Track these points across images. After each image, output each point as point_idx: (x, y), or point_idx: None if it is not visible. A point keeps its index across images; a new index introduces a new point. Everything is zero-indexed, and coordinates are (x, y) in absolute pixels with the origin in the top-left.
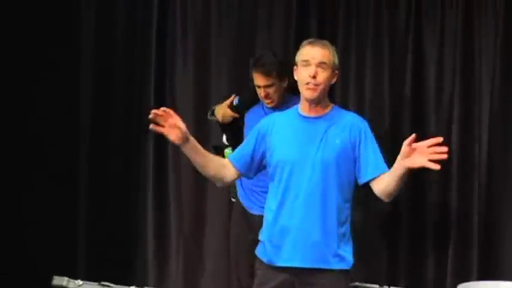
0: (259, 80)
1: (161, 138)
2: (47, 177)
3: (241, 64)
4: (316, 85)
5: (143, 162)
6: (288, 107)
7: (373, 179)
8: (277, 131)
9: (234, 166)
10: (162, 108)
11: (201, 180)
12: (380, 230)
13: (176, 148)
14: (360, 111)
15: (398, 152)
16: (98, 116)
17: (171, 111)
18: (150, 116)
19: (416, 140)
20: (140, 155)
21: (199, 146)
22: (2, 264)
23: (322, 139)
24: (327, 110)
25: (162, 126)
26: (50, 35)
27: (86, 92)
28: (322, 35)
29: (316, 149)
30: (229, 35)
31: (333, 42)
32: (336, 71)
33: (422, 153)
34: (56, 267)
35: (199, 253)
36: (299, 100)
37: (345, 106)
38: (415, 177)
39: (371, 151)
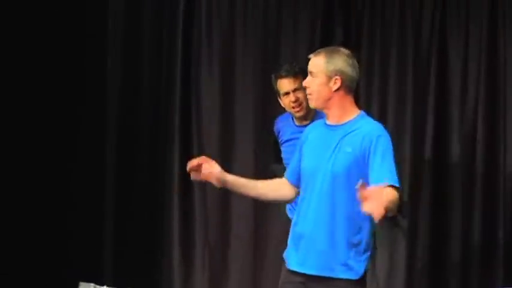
0: (286, 85)
1: (186, 148)
2: (75, 185)
3: (266, 64)
4: (309, 94)
5: (168, 171)
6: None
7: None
8: (309, 140)
9: (290, 182)
10: (195, 162)
11: (225, 193)
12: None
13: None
14: (382, 117)
15: (421, 158)
16: (124, 122)
17: (204, 159)
18: (188, 169)
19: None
20: (165, 163)
21: (242, 180)
22: (29, 270)
23: (335, 148)
24: (350, 118)
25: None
26: (76, 42)
27: (113, 96)
28: (347, 38)
29: (328, 158)
30: (254, 35)
31: (357, 49)
32: (338, 77)
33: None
34: (82, 274)
35: (224, 263)
36: None
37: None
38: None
39: (377, 161)
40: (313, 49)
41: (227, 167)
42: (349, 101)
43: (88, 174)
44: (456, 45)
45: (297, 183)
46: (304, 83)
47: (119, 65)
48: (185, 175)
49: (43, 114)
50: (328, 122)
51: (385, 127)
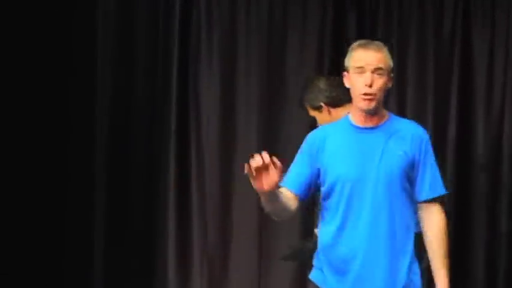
0: None
1: (183, 149)
2: (64, 187)
3: (272, 60)
4: (373, 94)
5: (164, 173)
6: None
7: (426, 201)
8: (330, 146)
9: (293, 191)
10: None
11: (226, 196)
12: None
13: (199, 161)
14: (401, 113)
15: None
16: (117, 122)
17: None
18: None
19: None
20: (161, 165)
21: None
22: (16, 278)
23: (383, 151)
24: (385, 119)
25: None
26: (64, 37)
27: (105, 95)
28: (361, 33)
29: (378, 163)
30: (258, 28)
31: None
32: (392, 74)
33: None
34: (72, 279)
35: (224, 271)
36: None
37: None
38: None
39: (429, 168)
40: (323, 43)
41: (228, 170)
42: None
43: (78, 177)
44: (481, 35)
45: (299, 192)
46: (370, 81)
47: (110, 62)
48: (182, 177)
49: (32, 114)
50: (359, 125)
51: None
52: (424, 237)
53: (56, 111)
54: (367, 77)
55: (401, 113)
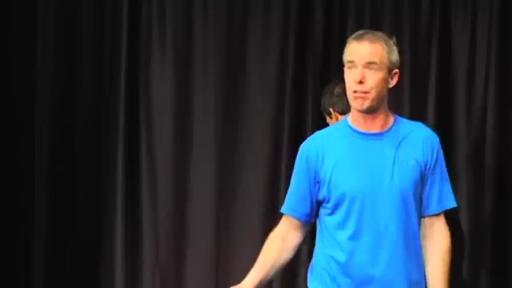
0: None
1: (133, 152)
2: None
3: (231, 50)
4: (365, 92)
5: (112, 177)
6: None
7: (434, 215)
8: (331, 155)
9: (300, 220)
10: None
11: (179, 204)
12: None
13: (151, 165)
14: None
15: None
16: (59, 123)
17: None
18: None
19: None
20: (108, 168)
21: (263, 271)
22: None
23: (394, 162)
24: (391, 123)
25: None
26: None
27: (44, 93)
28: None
29: (390, 175)
30: (216, 24)
31: (341, 35)
32: (396, 70)
33: None
34: None
35: (178, 282)
36: None
37: None
38: None
39: (438, 177)
40: (287, 31)
41: (184, 174)
42: (388, 101)
43: (17, 180)
44: (461, 25)
45: (307, 219)
46: (360, 77)
47: (52, 55)
48: (131, 183)
49: None
50: (361, 129)
51: None
52: (425, 257)
53: None
54: (357, 72)
55: None
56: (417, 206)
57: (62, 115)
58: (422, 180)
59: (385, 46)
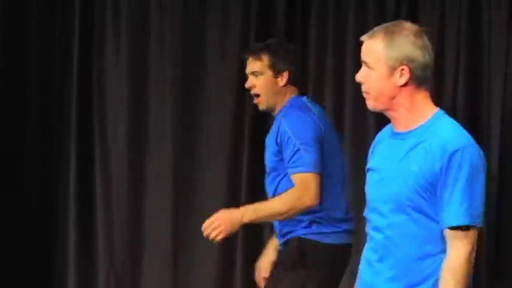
0: (247, 66)
1: (85, 150)
2: None
3: (188, 43)
4: (365, 92)
5: (63, 181)
6: (281, 114)
7: (447, 229)
8: (375, 151)
9: None
10: None
11: (138, 197)
12: None
13: (104, 164)
14: (338, 106)
15: None
16: (7, 125)
17: None
18: None
19: None
20: (59, 171)
21: None
22: None
23: (399, 165)
24: (422, 121)
25: None
26: None
27: None
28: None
29: (390, 180)
30: (172, 15)
31: (304, 32)
32: (402, 67)
33: None
34: None
35: None
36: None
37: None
38: None
39: (450, 188)
40: (247, 23)
41: (140, 174)
42: (422, 97)
43: None
44: (429, 15)
45: None
46: (358, 77)
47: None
48: (83, 187)
49: None
50: (395, 130)
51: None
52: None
53: None
54: (360, 72)
55: (340, 95)
56: (423, 217)
57: (12, 114)
58: (428, 190)
59: (383, 42)
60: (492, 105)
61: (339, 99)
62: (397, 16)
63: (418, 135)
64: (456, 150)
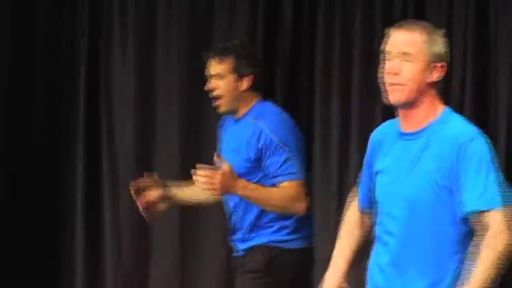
0: (209, 67)
1: (93, 151)
2: None
3: (195, 43)
4: (398, 84)
5: (70, 182)
6: (253, 119)
7: (475, 214)
8: (380, 152)
9: (366, 209)
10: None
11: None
12: None
13: (112, 165)
14: (345, 105)
15: None
16: (14, 123)
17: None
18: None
19: None
20: (67, 171)
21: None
22: None
23: (412, 163)
24: (430, 120)
25: None
26: None
27: None
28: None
29: (403, 181)
30: (179, 5)
31: (311, 32)
32: (440, 64)
33: None
34: None
35: None
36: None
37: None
38: None
39: (472, 177)
40: (252, 24)
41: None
42: (437, 97)
43: None
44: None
45: (370, 207)
46: (391, 68)
47: (8, 56)
48: (91, 186)
49: None
50: (401, 129)
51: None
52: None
53: None
54: (393, 63)
55: (347, 95)
56: (439, 217)
57: (20, 114)
58: (447, 186)
59: (424, 35)
60: (499, 105)
61: (345, 99)
62: (404, 16)
63: (428, 134)
64: (469, 139)
